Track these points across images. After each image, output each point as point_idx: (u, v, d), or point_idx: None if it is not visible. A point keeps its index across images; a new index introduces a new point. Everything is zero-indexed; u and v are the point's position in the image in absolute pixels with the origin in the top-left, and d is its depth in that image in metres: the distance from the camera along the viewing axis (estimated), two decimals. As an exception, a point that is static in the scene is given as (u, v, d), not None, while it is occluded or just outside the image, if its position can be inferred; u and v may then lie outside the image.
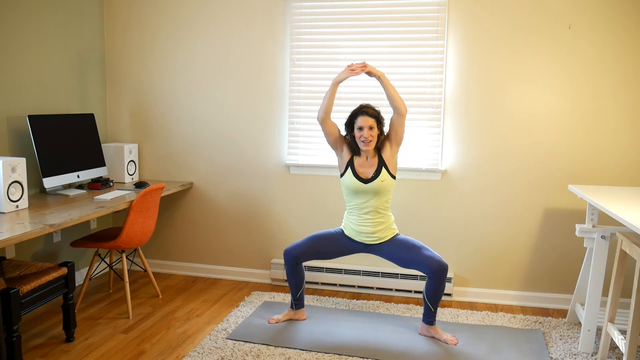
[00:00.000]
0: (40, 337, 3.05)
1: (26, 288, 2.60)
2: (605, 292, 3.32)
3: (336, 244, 3.15)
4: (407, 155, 3.66)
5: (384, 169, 3.01)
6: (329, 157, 3.79)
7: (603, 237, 2.91)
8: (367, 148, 3.00)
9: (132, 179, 4.02)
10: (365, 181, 3.01)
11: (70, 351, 2.88)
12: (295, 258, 3.15)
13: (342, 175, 3.10)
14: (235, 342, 2.99)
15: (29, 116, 3.25)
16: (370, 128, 2.97)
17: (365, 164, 3.05)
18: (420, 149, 3.65)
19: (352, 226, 3.12)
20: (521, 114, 3.52)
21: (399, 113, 2.98)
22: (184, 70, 4.00)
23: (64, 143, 3.50)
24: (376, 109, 3.04)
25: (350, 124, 3.06)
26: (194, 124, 4.03)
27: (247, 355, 2.83)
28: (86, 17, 3.90)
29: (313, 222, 3.87)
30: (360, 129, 2.98)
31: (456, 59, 3.56)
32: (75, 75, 3.83)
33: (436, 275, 2.93)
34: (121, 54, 4.10)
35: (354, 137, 3.05)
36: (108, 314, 3.39)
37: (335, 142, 3.12)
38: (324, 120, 3.06)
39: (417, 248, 3.01)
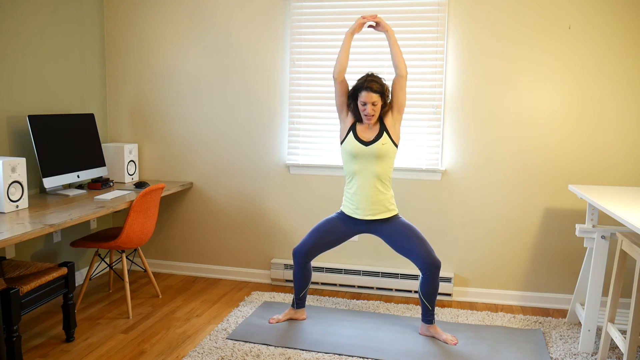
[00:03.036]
0: (40, 337, 3.05)
1: (26, 288, 2.60)
2: (605, 292, 3.32)
3: (339, 229, 3.12)
4: (407, 155, 3.66)
5: (385, 134, 3.00)
6: (329, 157, 3.79)
7: (603, 237, 2.91)
8: (369, 122, 3.01)
9: (132, 179, 4.02)
10: (366, 144, 2.99)
11: (70, 351, 2.88)
12: (306, 255, 3.14)
13: (342, 142, 3.08)
14: (235, 342, 2.99)
15: (29, 116, 3.25)
16: (374, 104, 2.95)
17: (367, 130, 3.04)
18: (420, 149, 3.65)
19: (352, 199, 3.07)
20: (521, 114, 3.52)
21: (400, 74, 2.97)
22: (184, 70, 4.00)
23: (64, 143, 3.50)
24: (382, 81, 2.98)
25: (354, 95, 3.02)
26: (194, 124, 4.03)
27: (247, 355, 2.83)
28: (86, 17, 3.90)
29: (313, 222, 3.87)
30: (364, 104, 2.96)
31: (456, 59, 3.56)
32: (75, 75, 3.83)
33: (429, 271, 2.95)
34: (121, 54, 4.10)
35: (357, 106, 3.03)
36: (108, 314, 3.39)
37: (343, 104, 3.09)
38: (339, 77, 3.04)
39: (416, 239, 2.99)
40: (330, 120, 3.75)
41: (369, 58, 3.65)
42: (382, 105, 2.99)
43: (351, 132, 3.04)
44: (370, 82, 2.94)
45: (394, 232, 3.04)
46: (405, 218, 3.69)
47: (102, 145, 3.92)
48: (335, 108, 3.70)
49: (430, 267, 2.95)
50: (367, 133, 3.03)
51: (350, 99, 3.05)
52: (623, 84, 3.37)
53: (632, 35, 3.32)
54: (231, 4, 3.85)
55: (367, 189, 3.01)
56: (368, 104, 2.94)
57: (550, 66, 3.45)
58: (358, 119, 3.06)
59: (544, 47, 3.44)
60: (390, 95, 3.03)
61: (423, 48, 3.58)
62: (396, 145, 3.03)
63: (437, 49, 3.56)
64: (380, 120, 3.04)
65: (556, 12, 3.40)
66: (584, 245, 3.07)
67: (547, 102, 3.48)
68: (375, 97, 2.93)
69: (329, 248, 3.18)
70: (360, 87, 2.96)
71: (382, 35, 3.58)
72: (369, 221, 3.07)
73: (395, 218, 3.07)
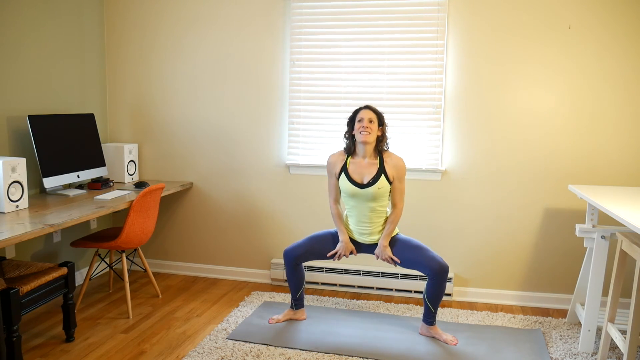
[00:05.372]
0: (40, 337, 3.05)
1: (26, 288, 2.60)
2: (605, 292, 3.32)
3: (335, 244, 3.16)
4: (407, 155, 3.66)
5: (383, 177, 3.02)
6: (329, 157, 3.79)
7: (603, 237, 2.91)
8: (365, 140, 2.99)
9: (132, 179, 4.02)
10: (361, 186, 3.02)
11: (70, 351, 2.88)
12: (295, 258, 3.15)
13: (338, 179, 3.13)
14: (235, 342, 2.99)
15: (29, 116, 3.25)
16: (370, 121, 3.00)
17: (362, 165, 3.05)
18: (420, 149, 3.65)
19: (352, 227, 3.14)
20: (521, 114, 3.52)
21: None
22: (184, 70, 4.00)
23: (64, 143, 3.50)
24: (378, 110, 3.08)
25: (352, 120, 3.09)
26: (194, 124, 4.03)
27: (247, 355, 2.83)
28: (86, 17, 3.90)
29: (313, 222, 3.87)
30: (361, 120, 3.01)
31: (456, 59, 3.56)
32: (75, 75, 3.83)
33: (437, 276, 2.93)
34: (121, 54, 4.10)
35: (353, 136, 3.07)
36: (108, 314, 3.39)
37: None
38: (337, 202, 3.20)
39: (418, 249, 3.01)
40: (330, 120, 3.75)
41: (365, 78, 3.67)
42: (379, 135, 3.03)
43: (343, 172, 3.08)
44: (367, 105, 3.08)
45: (395, 249, 3.08)
46: (406, 218, 3.69)
47: (102, 145, 3.92)
48: (334, 109, 3.73)
49: (437, 272, 2.93)
50: (362, 169, 3.04)
51: (349, 127, 3.11)
52: (624, 84, 3.37)
53: (633, 34, 3.32)
54: (231, 4, 3.85)
55: (366, 220, 3.08)
56: (364, 119, 3.00)
57: (551, 66, 3.44)
58: (351, 150, 3.09)
59: (544, 47, 3.43)
60: (386, 132, 3.08)
61: (423, 48, 3.57)
62: (391, 183, 3.05)
63: (437, 49, 3.56)
64: (380, 157, 3.05)
65: (556, 12, 3.40)
66: (584, 245, 3.07)
67: (548, 102, 3.48)
68: (373, 115, 3.02)
69: (321, 258, 3.20)
70: (358, 109, 3.07)
71: (380, 56, 3.59)
72: (368, 244, 3.14)
73: (394, 237, 3.11)
